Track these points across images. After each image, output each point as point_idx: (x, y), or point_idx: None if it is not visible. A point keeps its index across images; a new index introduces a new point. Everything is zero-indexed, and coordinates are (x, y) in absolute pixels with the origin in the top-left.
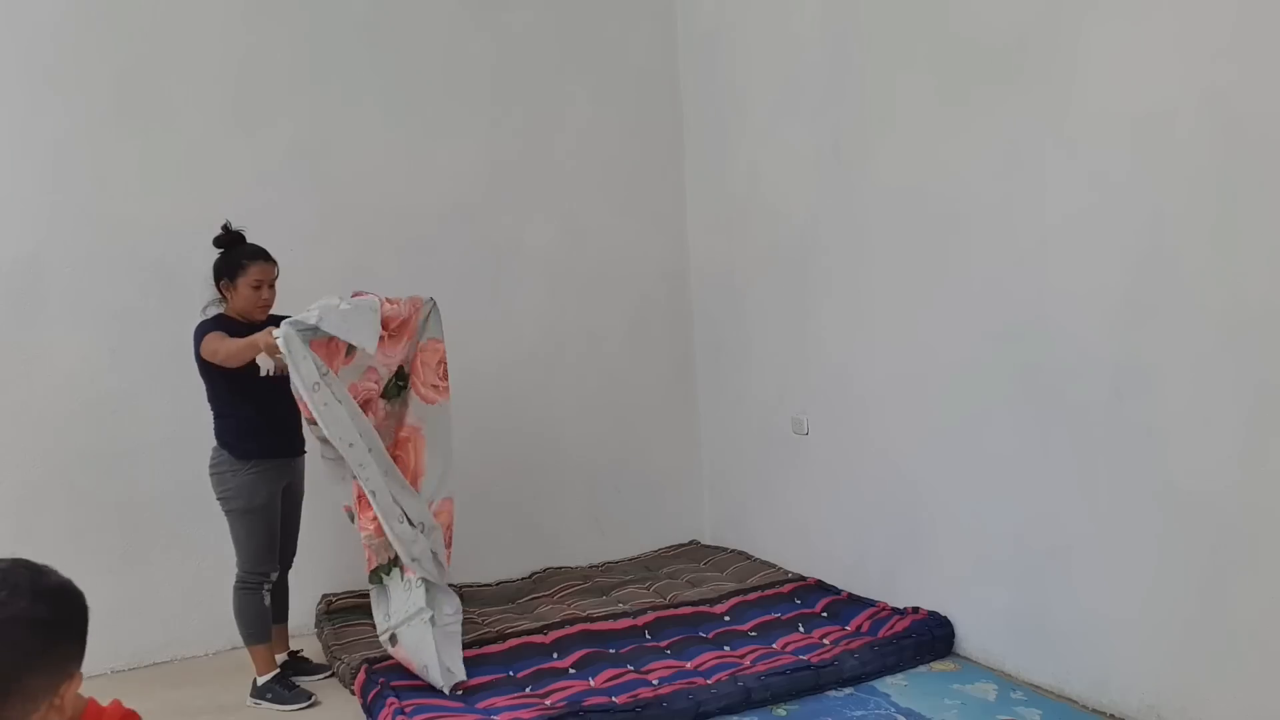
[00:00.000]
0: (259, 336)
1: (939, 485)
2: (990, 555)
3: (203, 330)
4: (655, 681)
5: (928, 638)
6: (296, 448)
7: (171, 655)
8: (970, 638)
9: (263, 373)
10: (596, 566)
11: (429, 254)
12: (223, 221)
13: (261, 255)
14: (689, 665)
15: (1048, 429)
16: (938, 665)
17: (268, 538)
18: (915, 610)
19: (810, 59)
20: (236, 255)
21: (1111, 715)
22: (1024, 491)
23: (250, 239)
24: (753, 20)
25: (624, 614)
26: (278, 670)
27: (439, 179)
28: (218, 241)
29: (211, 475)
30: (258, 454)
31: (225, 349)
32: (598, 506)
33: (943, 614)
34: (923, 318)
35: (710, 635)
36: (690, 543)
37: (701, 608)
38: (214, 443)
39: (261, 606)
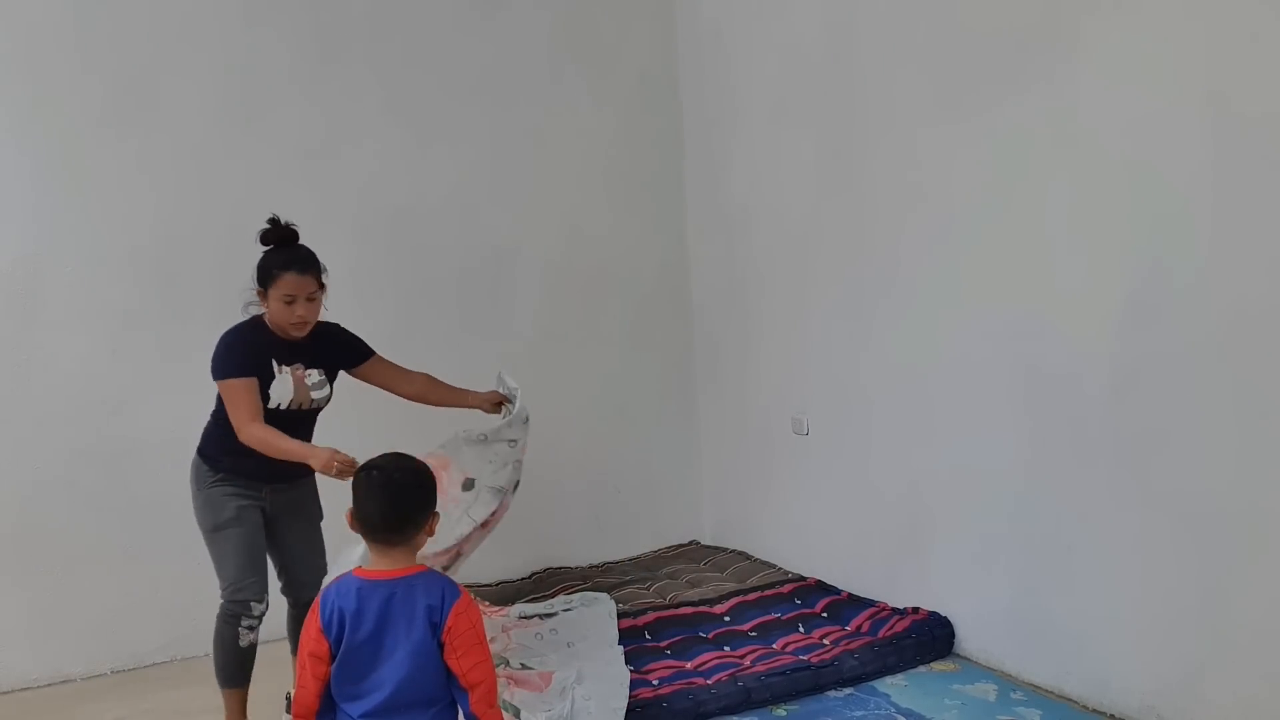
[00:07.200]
0: (321, 456)
1: (939, 485)
2: (990, 556)
3: (227, 349)
4: (655, 682)
5: (928, 638)
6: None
7: (171, 655)
8: (970, 638)
9: (271, 403)
10: (596, 566)
11: (429, 254)
12: (272, 217)
13: (296, 264)
14: (689, 665)
15: (1047, 429)
16: (938, 665)
17: (245, 558)
18: (915, 610)
19: (810, 59)
20: (270, 261)
21: (1111, 715)
22: (1024, 491)
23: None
24: (753, 20)
25: (624, 614)
26: None
27: (439, 179)
28: (264, 238)
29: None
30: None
31: (260, 434)
32: (598, 506)
33: (943, 614)
34: (922, 318)
35: (710, 635)
36: (690, 543)
37: (701, 608)
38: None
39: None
